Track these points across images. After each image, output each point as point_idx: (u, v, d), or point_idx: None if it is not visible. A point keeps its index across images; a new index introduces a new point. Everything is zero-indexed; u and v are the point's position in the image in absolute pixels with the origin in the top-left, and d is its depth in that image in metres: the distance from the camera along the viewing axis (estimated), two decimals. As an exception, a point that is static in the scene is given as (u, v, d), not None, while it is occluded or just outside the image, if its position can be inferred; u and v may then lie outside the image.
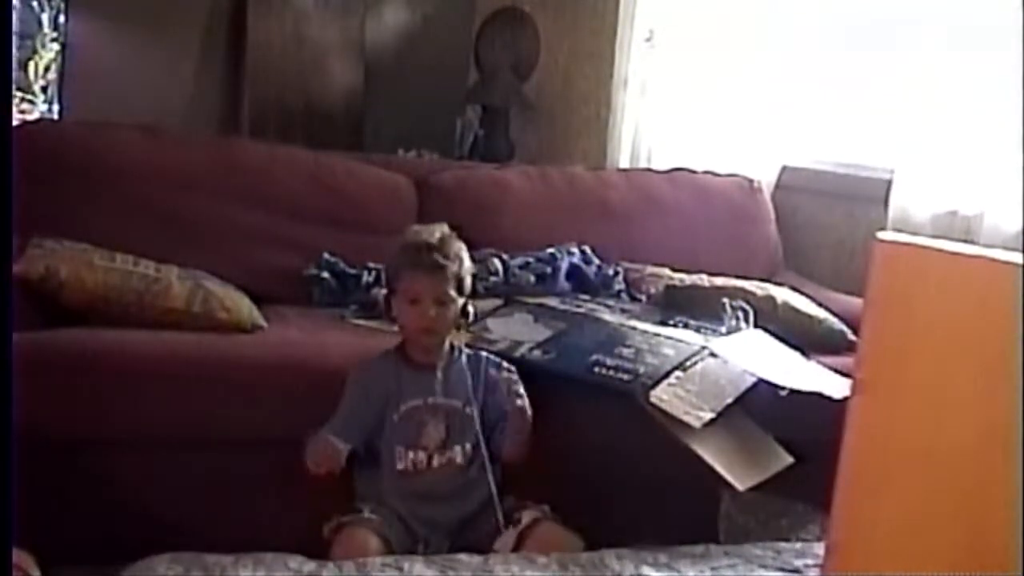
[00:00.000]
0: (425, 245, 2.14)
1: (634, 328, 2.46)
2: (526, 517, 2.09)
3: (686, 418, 2.14)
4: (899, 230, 2.84)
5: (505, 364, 2.23)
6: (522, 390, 2.18)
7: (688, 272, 2.93)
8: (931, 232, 2.80)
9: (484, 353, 2.26)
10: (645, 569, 1.79)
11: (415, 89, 4.52)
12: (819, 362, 2.48)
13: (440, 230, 2.20)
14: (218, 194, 2.82)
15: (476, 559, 1.77)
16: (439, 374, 2.17)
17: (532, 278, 2.78)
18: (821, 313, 2.74)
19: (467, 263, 2.20)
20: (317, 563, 1.71)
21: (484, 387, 2.20)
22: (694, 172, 3.43)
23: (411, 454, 2.12)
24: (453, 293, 2.14)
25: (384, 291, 2.28)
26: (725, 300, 2.62)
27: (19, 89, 3.81)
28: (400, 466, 2.12)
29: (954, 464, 1.07)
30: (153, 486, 2.19)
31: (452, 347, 2.21)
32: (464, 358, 2.20)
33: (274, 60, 4.34)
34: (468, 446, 2.16)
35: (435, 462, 2.14)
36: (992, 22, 2.75)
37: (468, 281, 2.20)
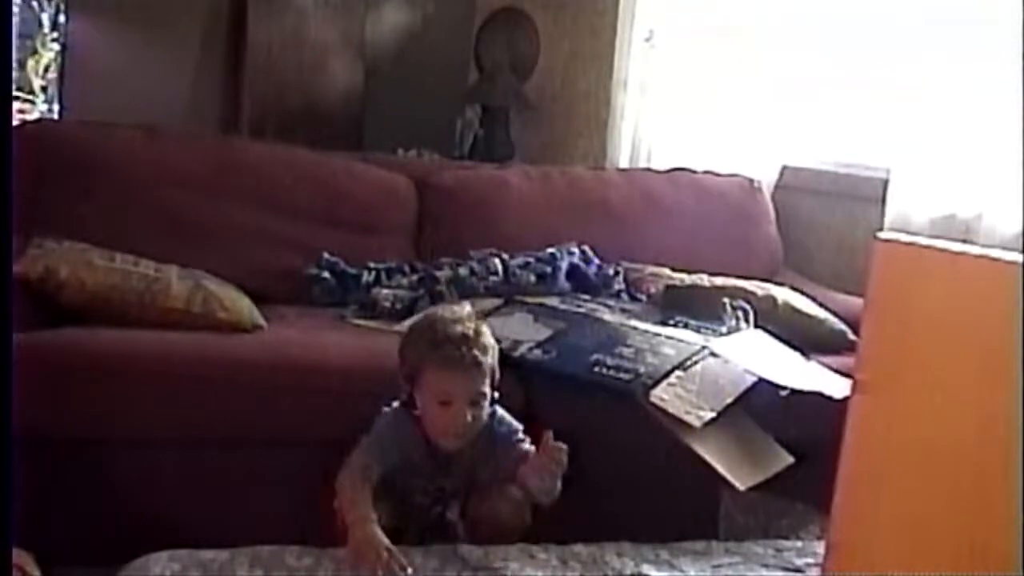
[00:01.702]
0: (459, 339, 1.91)
1: (634, 328, 2.46)
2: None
3: (686, 418, 2.14)
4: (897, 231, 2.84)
5: (521, 441, 2.02)
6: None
7: (688, 272, 2.93)
8: (929, 235, 2.80)
9: (505, 430, 2.04)
10: (645, 566, 1.79)
11: (415, 89, 4.52)
12: (819, 362, 2.48)
13: (470, 318, 1.99)
14: (218, 194, 2.81)
15: (476, 551, 1.78)
16: (454, 462, 2.00)
17: (532, 278, 2.78)
18: (821, 313, 2.74)
19: (496, 348, 1.98)
20: (314, 556, 1.71)
21: (493, 462, 2.02)
22: (694, 172, 3.43)
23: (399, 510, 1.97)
24: (487, 390, 1.95)
25: (403, 384, 1.99)
26: (725, 300, 2.62)
27: (19, 89, 3.81)
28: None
29: (954, 463, 1.07)
30: (153, 486, 2.18)
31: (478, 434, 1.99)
32: (483, 442, 2.00)
33: (274, 60, 4.34)
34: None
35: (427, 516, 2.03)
36: (992, 23, 2.75)
37: (497, 371, 1.99)
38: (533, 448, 1.96)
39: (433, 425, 1.94)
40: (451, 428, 1.92)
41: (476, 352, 1.90)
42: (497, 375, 1.97)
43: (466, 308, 2.04)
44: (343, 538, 1.80)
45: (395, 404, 2.03)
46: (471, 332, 1.92)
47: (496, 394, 1.99)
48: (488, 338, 1.95)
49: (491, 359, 1.94)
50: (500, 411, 2.03)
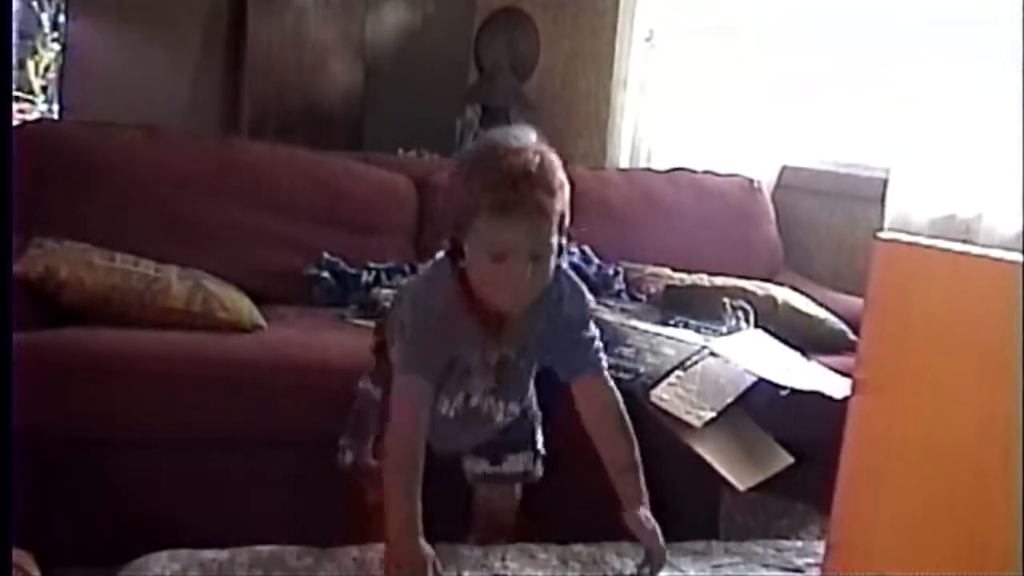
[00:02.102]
0: (520, 176, 1.52)
1: (634, 328, 2.45)
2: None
3: (687, 417, 2.14)
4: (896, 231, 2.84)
5: (579, 298, 1.74)
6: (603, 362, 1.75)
7: (688, 272, 2.93)
8: (929, 235, 2.80)
9: (562, 281, 1.71)
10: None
11: (415, 89, 4.52)
12: (819, 362, 2.48)
13: (534, 146, 1.57)
14: (218, 194, 2.81)
15: (476, 551, 1.77)
16: (506, 325, 1.68)
17: (532, 278, 2.78)
18: (821, 313, 2.74)
19: (566, 185, 1.60)
20: (314, 557, 1.71)
21: (547, 330, 1.71)
22: (694, 172, 3.43)
23: (448, 397, 1.74)
24: (555, 240, 1.58)
25: (450, 239, 1.64)
26: (725, 300, 2.63)
27: (19, 89, 3.81)
28: (442, 408, 1.73)
29: (953, 463, 1.07)
30: (153, 486, 2.18)
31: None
32: (547, 309, 1.68)
33: (274, 60, 4.34)
34: (523, 399, 1.82)
35: (473, 402, 1.77)
36: (992, 23, 2.75)
37: (568, 212, 1.60)
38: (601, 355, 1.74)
39: (484, 284, 1.59)
40: (509, 287, 1.58)
41: (540, 194, 1.52)
42: (567, 218, 1.59)
43: (531, 134, 1.62)
44: (375, 519, 1.60)
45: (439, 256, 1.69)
46: (534, 167, 1.53)
47: (565, 241, 1.62)
48: (558, 171, 1.57)
49: (560, 201, 1.55)
50: (567, 268, 1.72)
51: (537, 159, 1.54)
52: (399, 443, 1.58)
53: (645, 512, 1.67)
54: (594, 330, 1.76)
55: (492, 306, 1.63)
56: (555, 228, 1.56)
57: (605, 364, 1.76)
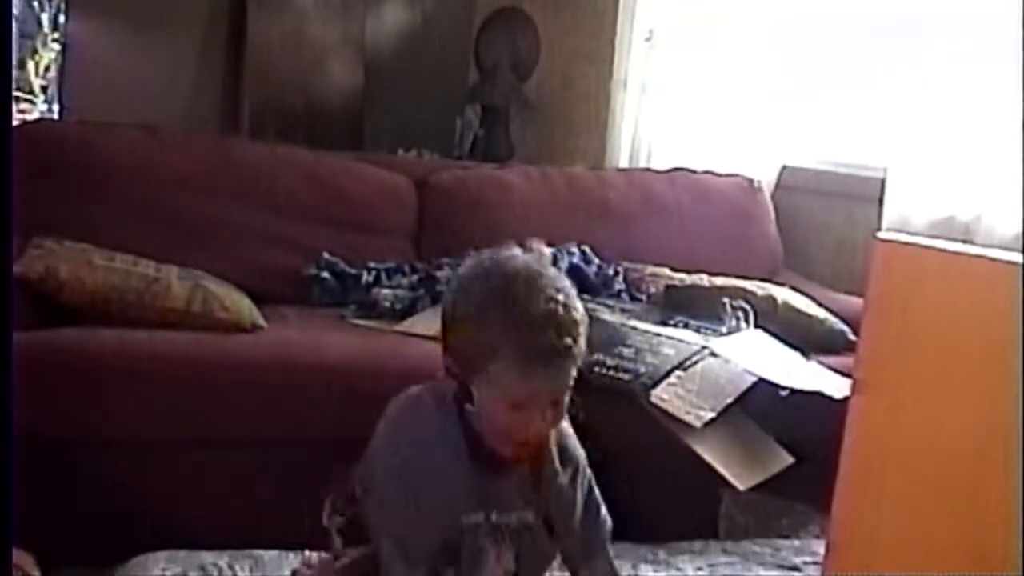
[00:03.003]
0: (548, 323, 1.37)
1: (634, 328, 2.45)
2: None
3: (686, 418, 2.14)
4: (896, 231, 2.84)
5: (581, 455, 1.60)
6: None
7: (688, 272, 2.93)
8: (928, 237, 2.79)
9: (574, 444, 1.58)
10: (643, 566, 1.79)
11: (415, 89, 4.52)
12: (819, 362, 2.48)
13: (549, 282, 1.41)
14: (218, 194, 2.81)
15: None
16: (508, 476, 1.48)
17: (532, 278, 2.78)
18: (821, 313, 2.74)
19: (587, 320, 1.46)
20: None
21: (562, 484, 1.55)
22: (694, 172, 3.43)
23: None
24: (572, 381, 1.44)
25: (449, 368, 1.46)
26: (725, 300, 2.63)
27: (19, 89, 3.81)
28: None
29: (954, 464, 1.07)
30: (153, 486, 2.18)
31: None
32: (556, 454, 1.52)
33: (274, 60, 4.34)
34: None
35: None
36: (992, 23, 2.74)
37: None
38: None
39: (496, 430, 1.43)
40: (522, 434, 1.43)
41: (566, 339, 1.37)
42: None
43: (542, 251, 1.47)
44: None
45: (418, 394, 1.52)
46: (560, 307, 1.37)
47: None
48: (578, 304, 1.41)
49: (582, 338, 1.41)
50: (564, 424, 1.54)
51: (560, 297, 1.39)
52: None
53: None
54: (599, 498, 1.60)
55: (499, 454, 1.45)
56: (574, 374, 1.42)
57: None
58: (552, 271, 1.45)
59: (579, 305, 1.42)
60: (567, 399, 1.44)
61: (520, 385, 1.37)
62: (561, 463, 1.53)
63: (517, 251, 1.46)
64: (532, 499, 1.49)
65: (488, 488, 1.46)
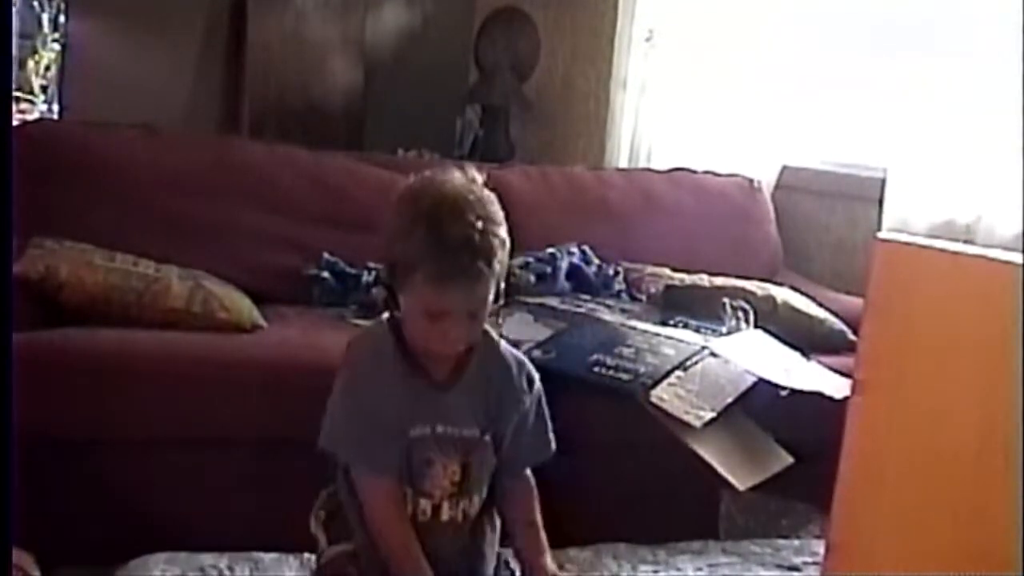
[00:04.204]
0: (463, 243, 1.51)
1: (634, 328, 2.46)
2: None
3: (686, 418, 2.14)
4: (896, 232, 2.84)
5: (530, 378, 1.72)
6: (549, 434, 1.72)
7: (688, 272, 2.93)
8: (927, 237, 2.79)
9: (515, 353, 1.73)
10: (642, 567, 1.79)
11: (415, 89, 4.52)
12: (819, 362, 2.48)
13: (472, 207, 1.54)
14: (218, 194, 2.81)
15: None
16: (453, 390, 1.63)
17: (532, 278, 2.78)
18: (821, 313, 2.74)
19: (507, 242, 1.58)
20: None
21: (505, 402, 1.67)
22: (694, 172, 3.43)
23: (413, 502, 1.61)
24: (491, 296, 1.57)
25: (382, 288, 1.72)
26: (725, 300, 2.63)
27: (19, 89, 3.81)
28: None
29: (954, 464, 1.07)
30: (153, 486, 2.18)
31: (472, 349, 1.64)
32: (490, 362, 1.66)
33: (274, 60, 4.34)
34: (484, 491, 1.67)
35: (444, 514, 1.62)
36: (992, 23, 2.75)
37: (505, 266, 1.60)
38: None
39: (418, 342, 1.60)
40: (441, 344, 1.58)
41: (479, 263, 1.51)
42: (502, 277, 1.59)
43: (475, 177, 1.61)
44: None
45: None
46: (477, 233, 1.51)
47: (504, 286, 1.60)
48: (498, 231, 1.55)
49: (499, 263, 1.55)
50: (507, 346, 1.71)
51: (480, 224, 1.52)
52: (391, 542, 1.58)
53: (548, 559, 1.67)
54: (547, 414, 1.72)
55: (429, 363, 1.61)
56: (492, 286, 1.55)
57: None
58: (480, 196, 1.57)
59: (500, 231, 1.55)
60: (486, 314, 1.58)
61: (435, 298, 1.53)
62: (503, 382, 1.66)
63: (455, 174, 1.61)
64: (475, 413, 1.62)
65: (435, 404, 1.60)
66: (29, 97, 3.89)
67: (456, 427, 1.61)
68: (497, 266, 1.55)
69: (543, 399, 1.71)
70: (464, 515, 1.63)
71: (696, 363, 2.31)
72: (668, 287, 2.82)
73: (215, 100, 4.35)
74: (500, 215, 1.57)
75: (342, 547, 1.62)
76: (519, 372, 1.69)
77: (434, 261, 1.51)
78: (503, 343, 1.71)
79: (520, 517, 1.68)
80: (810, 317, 2.72)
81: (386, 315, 1.66)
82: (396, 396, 1.59)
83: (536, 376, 1.71)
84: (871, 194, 3.10)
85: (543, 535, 1.69)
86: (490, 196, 1.59)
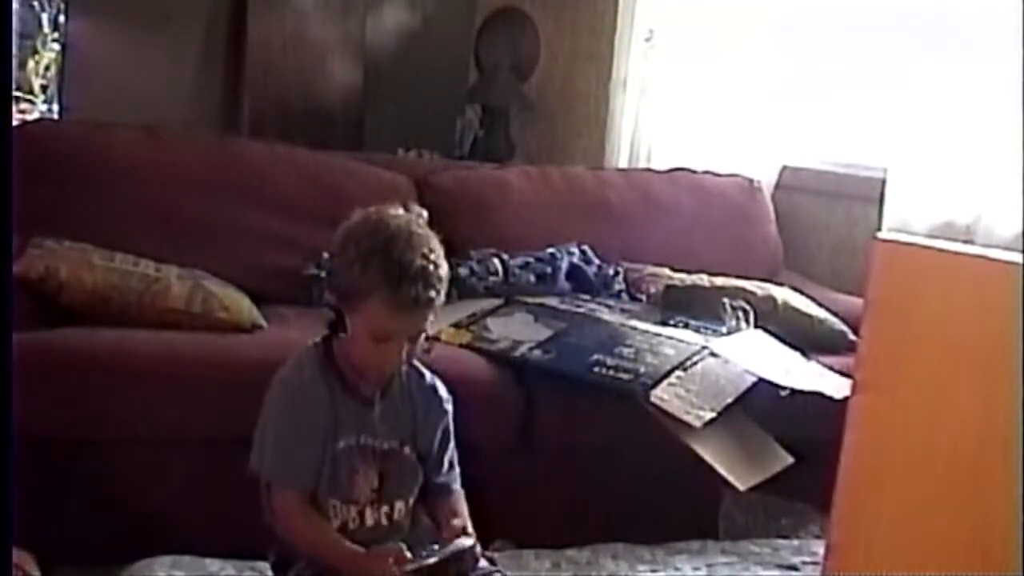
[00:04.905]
0: (418, 275, 1.66)
1: (634, 328, 2.46)
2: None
3: (686, 418, 2.14)
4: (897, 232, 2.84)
5: (447, 400, 1.87)
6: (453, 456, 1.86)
7: (688, 272, 2.93)
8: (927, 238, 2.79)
9: (433, 377, 1.87)
10: (640, 567, 1.79)
11: (415, 89, 4.51)
12: (819, 362, 2.48)
13: (423, 242, 1.71)
14: (218, 194, 2.81)
15: None
16: (377, 406, 1.77)
17: (532, 278, 2.78)
18: (821, 313, 2.74)
19: (447, 272, 1.75)
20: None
21: (427, 419, 1.83)
22: (694, 172, 3.43)
23: (343, 509, 1.74)
24: (430, 324, 1.75)
25: (330, 310, 1.80)
26: (725, 300, 2.63)
27: (19, 89, 3.80)
28: (334, 523, 1.74)
29: (954, 463, 1.07)
30: (153, 486, 2.18)
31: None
32: (412, 383, 1.82)
33: (274, 60, 4.34)
34: (410, 499, 1.81)
35: (368, 519, 1.76)
36: (992, 23, 2.75)
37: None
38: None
39: (358, 360, 1.74)
40: (382, 364, 1.73)
41: (431, 292, 1.67)
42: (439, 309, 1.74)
43: (422, 212, 1.78)
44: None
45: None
46: (430, 265, 1.67)
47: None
48: (443, 264, 1.71)
49: (443, 291, 1.71)
50: (425, 371, 1.85)
51: (432, 256, 1.69)
52: (309, 538, 1.71)
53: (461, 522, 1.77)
54: (454, 452, 1.86)
55: (362, 380, 1.76)
56: (432, 315, 1.71)
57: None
58: (426, 232, 1.74)
59: (443, 263, 1.72)
60: (423, 339, 1.74)
61: (387, 322, 1.67)
62: (426, 401, 1.82)
63: (401, 211, 1.77)
64: (396, 428, 1.77)
65: (360, 417, 1.74)
66: (29, 97, 3.89)
67: (377, 439, 1.76)
68: (442, 297, 1.71)
69: (447, 427, 1.85)
70: (388, 519, 1.77)
71: (696, 363, 2.31)
72: (668, 287, 2.82)
73: (215, 100, 4.35)
74: (442, 251, 1.73)
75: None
76: (439, 394, 1.85)
77: (391, 289, 1.65)
78: (423, 367, 1.85)
79: (445, 517, 1.79)
80: (810, 317, 2.72)
81: (313, 340, 1.81)
82: (325, 411, 1.73)
83: (443, 403, 1.85)
84: (871, 194, 3.10)
85: (468, 522, 1.78)
86: (431, 232, 1.75)
